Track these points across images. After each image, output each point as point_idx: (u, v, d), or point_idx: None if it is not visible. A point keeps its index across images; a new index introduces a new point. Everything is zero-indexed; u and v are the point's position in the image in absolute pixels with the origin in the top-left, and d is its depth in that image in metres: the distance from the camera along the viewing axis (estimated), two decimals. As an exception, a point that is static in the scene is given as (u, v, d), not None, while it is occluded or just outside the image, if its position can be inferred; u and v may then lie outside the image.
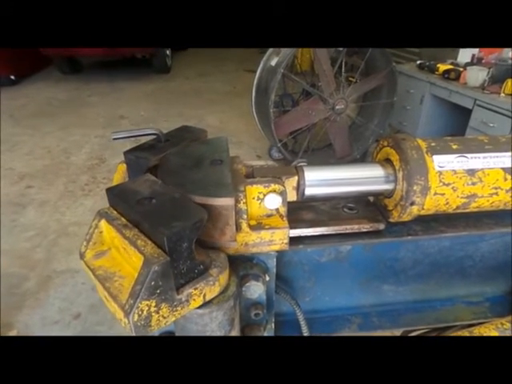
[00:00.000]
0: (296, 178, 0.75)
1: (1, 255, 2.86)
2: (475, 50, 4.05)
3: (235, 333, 0.70)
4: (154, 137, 0.81)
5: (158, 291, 0.51)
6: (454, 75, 3.72)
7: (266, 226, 0.70)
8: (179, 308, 0.55)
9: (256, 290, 0.72)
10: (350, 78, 3.90)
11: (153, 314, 0.52)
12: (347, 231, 0.81)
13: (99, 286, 0.57)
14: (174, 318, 0.56)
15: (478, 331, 0.74)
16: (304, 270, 0.87)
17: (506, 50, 3.94)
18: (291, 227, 0.80)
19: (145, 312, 0.51)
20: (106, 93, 6.72)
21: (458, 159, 0.75)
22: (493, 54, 3.93)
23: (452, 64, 3.98)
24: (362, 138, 4.24)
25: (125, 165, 0.79)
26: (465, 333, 0.77)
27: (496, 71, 3.43)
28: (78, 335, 2.26)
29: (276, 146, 3.79)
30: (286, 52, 3.55)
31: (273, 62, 3.63)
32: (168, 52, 7.86)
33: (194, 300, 0.57)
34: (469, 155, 0.75)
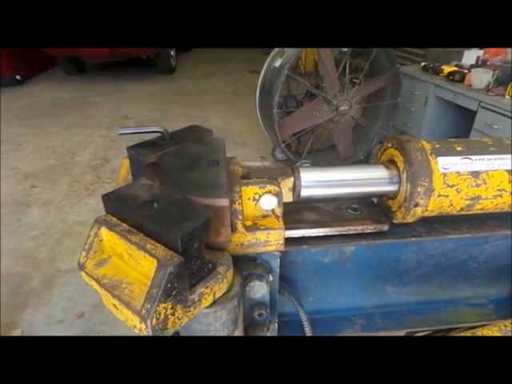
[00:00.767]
0: (292, 179, 0.75)
1: (4, 254, 2.88)
2: (480, 52, 4.03)
3: (239, 332, 0.70)
4: (159, 135, 0.81)
5: (174, 293, 0.51)
6: (458, 77, 3.71)
7: (262, 227, 0.70)
8: (192, 308, 0.56)
9: (259, 289, 0.72)
10: (354, 80, 3.90)
11: (169, 316, 0.52)
12: (351, 232, 0.81)
13: (106, 295, 0.56)
14: (187, 319, 0.56)
15: (480, 333, 0.74)
16: (307, 271, 0.87)
17: (510, 52, 3.92)
18: (295, 228, 0.81)
19: (162, 315, 0.51)
20: (110, 93, 6.75)
21: (462, 161, 0.75)
22: (498, 56, 3.91)
23: (457, 66, 3.97)
24: (366, 139, 4.24)
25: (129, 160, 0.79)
26: (467, 334, 0.77)
27: (501, 73, 3.41)
28: (81, 335, 2.27)
29: (279, 147, 3.79)
30: (290, 53, 3.55)
31: (277, 63, 3.63)
32: (172, 53, 7.88)
33: (205, 299, 0.58)
34: (473, 157, 0.75)
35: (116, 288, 0.55)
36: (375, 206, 0.88)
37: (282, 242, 0.71)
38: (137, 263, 0.55)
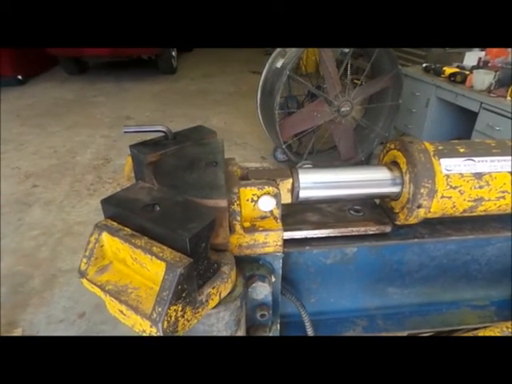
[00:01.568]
0: (290, 180, 0.75)
1: (5, 254, 2.88)
2: (481, 54, 4.03)
3: (241, 333, 0.70)
4: (163, 134, 0.82)
5: (184, 294, 0.51)
6: (460, 78, 3.71)
7: (260, 228, 0.70)
8: (200, 309, 0.56)
9: (262, 290, 0.72)
10: (356, 81, 3.90)
11: (179, 318, 0.52)
12: (353, 233, 0.81)
13: (112, 301, 0.55)
14: (196, 321, 0.56)
15: (482, 334, 0.74)
16: (310, 272, 0.87)
17: (512, 53, 3.92)
18: (297, 229, 0.81)
19: (173, 318, 0.50)
20: (111, 93, 6.76)
21: (465, 162, 0.75)
22: (499, 58, 3.91)
23: (458, 67, 3.96)
24: (367, 140, 4.24)
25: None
26: (469, 335, 0.77)
27: (502, 75, 3.41)
28: (82, 334, 2.27)
29: (281, 148, 3.79)
30: (291, 54, 3.55)
31: (278, 64, 3.63)
32: (174, 53, 7.89)
33: (212, 299, 0.58)
34: (476, 159, 0.75)
35: (122, 293, 0.55)
36: (377, 208, 0.88)
37: (280, 243, 0.71)
38: (142, 267, 0.55)
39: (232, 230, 0.67)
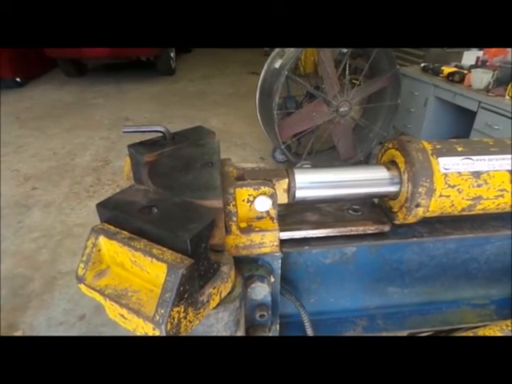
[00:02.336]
0: (286, 180, 0.75)
1: (5, 256, 2.88)
2: (479, 53, 4.04)
3: (240, 334, 0.70)
4: (161, 134, 0.82)
5: (186, 295, 0.51)
6: (458, 78, 3.71)
7: (257, 229, 0.70)
8: (201, 310, 0.55)
9: (261, 291, 0.72)
10: (354, 81, 3.90)
11: (182, 319, 0.51)
12: (352, 233, 0.81)
13: (112, 306, 0.55)
14: (197, 322, 0.55)
15: (482, 333, 0.74)
16: (309, 272, 0.87)
17: (510, 52, 3.92)
18: (296, 229, 0.81)
19: (176, 319, 0.50)
20: (110, 95, 6.76)
21: (463, 161, 0.75)
22: (497, 57, 3.92)
23: (456, 66, 3.97)
24: (366, 140, 4.24)
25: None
26: (469, 334, 0.77)
27: (500, 74, 3.42)
28: (82, 335, 2.26)
29: (280, 148, 3.80)
30: (289, 54, 3.56)
31: (277, 65, 3.63)
32: (172, 54, 7.90)
33: (213, 300, 0.58)
34: (474, 157, 0.75)
35: (122, 297, 0.54)
36: (376, 207, 0.88)
37: (276, 243, 0.71)
38: (142, 270, 0.54)
39: (228, 230, 0.67)
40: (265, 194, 0.69)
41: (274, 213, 0.72)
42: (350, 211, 0.86)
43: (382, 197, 0.84)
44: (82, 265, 0.58)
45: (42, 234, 3.17)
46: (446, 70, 3.89)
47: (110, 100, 6.51)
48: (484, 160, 0.75)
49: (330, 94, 3.63)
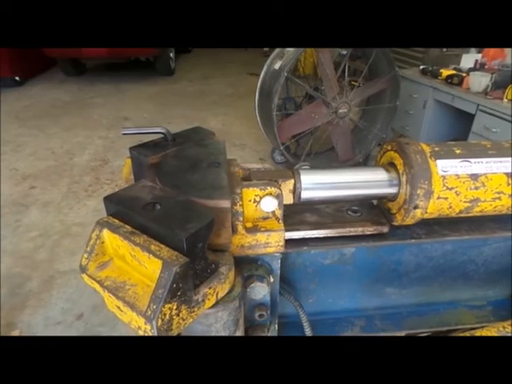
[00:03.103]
0: (292, 181, 0.76)
1: (3, 255, 2.88)
2: (478, 56, 4.06)
3: (239, 333, 0.70)
4: (162, 135, 0.82)
5: (179, 293, 0.51)
6: (456, 80, 3.73)
7: (262, 229, 0.70)
8: (196, 309, 0.56)
9: (260, 291, 0.73)
10: (353, 82, 3.91)
11: (174, 317, 0.52)
12: (351, 234, 0.82)
13: (110, 297, 0.56)
14: (191, 320, 0.56)
15: (479, 334, 0.74)
16: (308, 272, 0.87)
17: (509, 55, 3.94)
18: (295, 229, 0.81)
19: (167, 316, 0.51)
20: (109, 94, 6.75)
21: (461, 164, 0.75)
22: (496, 60, 3.93)
23: (455, 69, 3.99)
24: (365, 141, 4.25)
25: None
26: (466, 335, 0.78)
27: (499, 77, 3.43)
28: (81, 335, 2.26)
29: (279, 149, 3.80)
30: (289, 56, 3.56)
31: (276, 66, 3.64)
32: (172, 55, 7.90)
33: (209, 299, 0.58)
34: (472, 160, 0.76)
35: (119, 290, 0.55)
36: (375, 208, 0.88)
37: (282, 243, 0.72)
38: (140, 265, 0.55)
39: (234, 230, 0.68)
40: (271, 194, 0.70)
41: (279, 213, 0.73)
42: (349, 212, 0.87)
43: (381, 198, 0.85)
44: (85, 255, 0.59)
45: (39, 233, 3.17)
46: (445, 72, 3.91)
47: (108, 99, 6.51)
48: (482, 162, 0.76)
49: (330, 96, 3.64)
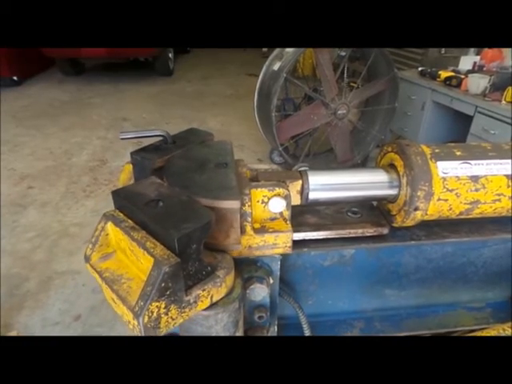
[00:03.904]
0: (300, 182, 0.76)
1: (2, 256, 2.86)
2: (476, 58, 4.07)
3: (239, 335, 0.70)
4: (161, 138, 0.81)
5: (168, 292, 0.52)
6: (455, 82, 3.74)
7: (270, 230, 0.70)
8: (187, 309, 0.56)
9: (260, 292, 0.72)
10: (352, 84, 3.92)
11: (162, 315, 0.52)
12: (351, 235, 0.82)
13: (106, 289, 0.57)
14: (181, 320, 0.56)
15: (479, 336, 0.74)
16: (307, 274, 0.87)
17: (507, 57, 3.96)
18: (295, 230, 0.81)
19: (154, 314, 0.51)
20: (108, 94, 6.74)
21: (461, 165, 0.75)
22: (494, 62, 3.95)
23: (453, 71, 3.99)
24: (364, 143, 4.25)
25: (131, 165, 0.79)
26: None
27: (497, 79, 3.44)
28: (79, 335, 2.25)
29: (277, 150, 3.80)
30: (288, 57, 3.57)
31: (275, 67, 3.64)
32: (170, 55, 7.89)
33: (202, 301, 0.58)
34: (472, 162, 0.76)
35: (116, 282, 0.56)
36: (375, 210, 0.88)
37: (289, 244, 0.72)
38: (137, 260, 0.56)
39: (242, 231, 0.68)
40: (279, 195, 0.70)
41: (287, 214, 0.72)
42: (348, 213, 0.87)
43: (381, 200, 0.85)
44: (90, 245, 0.61)
45: (37, 233, 3.15)
46: (444, 74, 3.91)
47: (107, 100, 6.50)
48: (482, 164, 0.76)
49: (328, 97, 3.64)
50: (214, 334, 0.63)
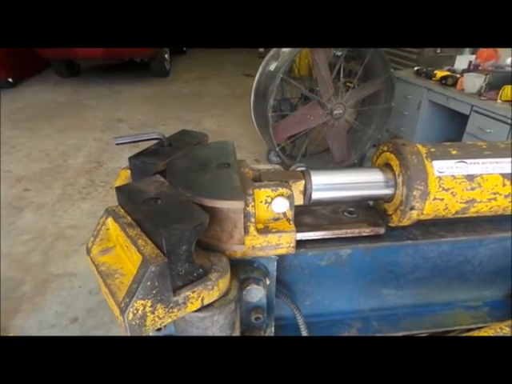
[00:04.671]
0: (303, 182, 0.76)
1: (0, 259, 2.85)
2: (472, 57, 4.09)
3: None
4: (157, 141, 0.81)
5: (154, 292, 0.52)
6: (451, 81, 3.75)
7: (273, 230, 0.70)
8: (175, 310, 0.56)
9: (257, 293, 0.72)
10: (349, 84, 3.92)
11: (148, 313, 0.52)
12: (347, 235, 0.81)
13: (101, 282, 0.57)
14: (170, 320, 0.56)
15: (476, 335, 0.74)
16: (304, 274, 0.87)
17: (502, 57, 3.97)
18: (292, 231, 0.81)
19: (140, 311, 0.51)
20: (104, 96, 6.72)
21: (457, 165, 0.75)
22: (490, 61, 3.96)
23: (449, 70, 4.01)
24: (360, 142, 4.26)
25: (128, 171, 0.78)
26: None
27: (493, 78, 3.46)
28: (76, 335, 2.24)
29: (274, 151, 3.80)
30: (284, 57, 3.57)
31: (271, 67, 3.64)
32: (166, 56, 7.88)
33: (192, 303, 0.57)
34: (468, 161, 0.76)
35: (109, 277, 0.57)
36: (371, 209, 0.88)
37: (293, 244, 0.72)
38: (131, 256, 0.56)
39: (246, 231, 0.68)
40: (282, 195, 0.70)
41: (290, 214, 0.72)
42: (345, 213, 0.86)
43: (378, 199, 0.85)
44: (91, 238, 0.63)
45: (33, 236, 3.13)
46: (439, 73, 3.93)
47: (103, 101, 6.47)
48: (478, 163, 0.76)
49: (325, 97, 3.64)
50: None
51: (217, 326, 0.62)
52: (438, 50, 4.55)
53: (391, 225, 0.82)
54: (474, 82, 3.51)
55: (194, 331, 0.63)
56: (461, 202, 0.76)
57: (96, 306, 2.44)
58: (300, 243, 0.81)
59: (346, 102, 3.73)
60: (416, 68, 4.29)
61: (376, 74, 3.90)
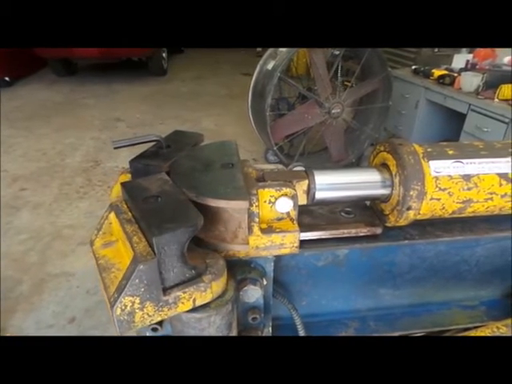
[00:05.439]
0: (306, 181, 0.76)
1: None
2: (469, 56, 4.09)
3: (233, 337, 0.70)
4: (155, 143, 0.81)
5: (143, 289, 0.52)
6: (448, 80, 3.76)
7: (277, 230, 0.70)
8: (166, 309, 0.56)
9: (253, 294, 0.72)
10: (346, 83, 3.92)
11: (137, 310, 0.53)
12: (344, 235, 0.81)
13: (99, 276, 0.58)
14: (159, 318, 0.56)
15: (473, 335, 0.74)
16: (301, 274, 0.87)
17: (500, 56, 3.98)
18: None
19: (128, 307, 0.52)
20: (101, 95, 6.70)
21: (453, 164, 0.75)
22: (487, 60, 3.97)
23: (446, 69, 4.02)
24: (358, 141, 4.26)
25: (128, 174, 0.78)
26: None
27: (490, 77, 3.47)
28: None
29: (272, 150, 3.80)
30: (282, 56, 3.56)
31: (269, 66, 3.64)
32: (164, 55, 7.86)
33: (183, 303, 0.57)
34: (464, 161, 0.76)
35: (106, 270, 0.58)
36: (368, 209, 0.88)
37: (296, 244, 0.72)
38: (128, 251, 0.56)
39: (250, 231, 0.68)
40: (286, 195, 0.70)
41: (294, 214, 0.72)
42: (342, 213, 0.86)
43: (376, 199, 0.85)
44: (95, 231, 0.64)
45: (30, 235, 3.12)
46: (437, 72, 3.93)
47: (100, 100, 6.46)
48: (474, 163, 0.76)
49: (323, 96, 3.64)
50: (206, 337, 0.63)
51: (214, 326, 0.62)
52: (436, 49, 4.55)
53: (388, 225, 0.82)
54: (471, 81, 3.51)
55: (191, 332, 0.63)
56: (457, 202, 0.76)
57: (94, 305, 2.44)
58: None
59: (343, 101, 3.73)
60: (413, 67, 4.29)
61: (374, 73, 3.91)
